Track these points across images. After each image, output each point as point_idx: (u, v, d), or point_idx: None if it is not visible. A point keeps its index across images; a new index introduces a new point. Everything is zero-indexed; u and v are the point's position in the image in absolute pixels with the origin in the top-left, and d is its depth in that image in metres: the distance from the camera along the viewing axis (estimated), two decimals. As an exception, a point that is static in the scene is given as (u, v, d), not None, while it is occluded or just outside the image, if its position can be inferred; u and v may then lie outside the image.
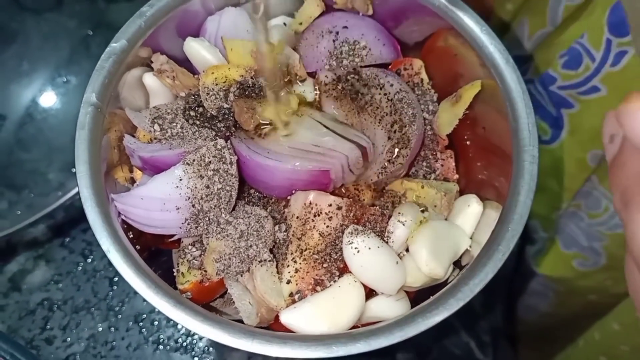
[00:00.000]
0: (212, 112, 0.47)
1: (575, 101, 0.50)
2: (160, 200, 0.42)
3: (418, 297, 0.48)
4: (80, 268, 0.72)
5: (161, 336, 0.68)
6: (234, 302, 0.44)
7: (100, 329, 0.69)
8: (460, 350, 0.73)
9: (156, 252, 0.50)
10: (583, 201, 0.52)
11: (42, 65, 0.78)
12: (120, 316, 0.69)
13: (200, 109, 0.48)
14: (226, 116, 0.47)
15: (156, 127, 0.47)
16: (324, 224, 0.43)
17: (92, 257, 0.72)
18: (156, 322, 0.68)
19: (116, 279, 0.71)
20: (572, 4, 0.51)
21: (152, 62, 0.49)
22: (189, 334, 0.68)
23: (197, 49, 0.49)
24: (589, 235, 0.54)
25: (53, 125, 0.76)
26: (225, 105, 0.47)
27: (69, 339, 0.68)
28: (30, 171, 0.74)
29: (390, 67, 0.54)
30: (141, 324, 0.68)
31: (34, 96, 0.77)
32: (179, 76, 0.49)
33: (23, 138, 0.75)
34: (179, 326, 0.68)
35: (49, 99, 0.77)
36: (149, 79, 0.49)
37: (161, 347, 0.67)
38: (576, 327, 0.65)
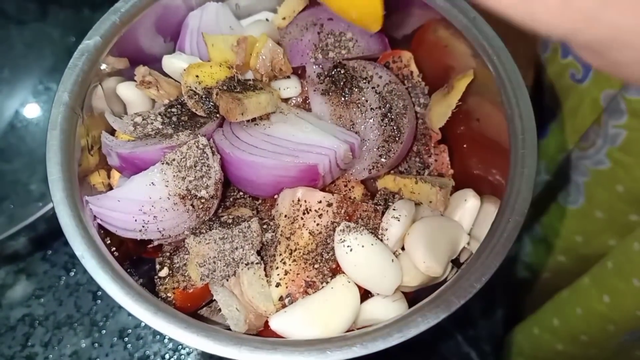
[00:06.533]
0: (196, 112, 0.45)
1: None
2: (138, 203, 0.40)
3: (416, 298, 0.46)
4: (63, 282, 0.69)
5: (147, 352, 0.64)
6: (220, 310, 0.41)
7: (84, 345, 0.65)
8: (460, 361, 0.70)
9: (138, 261, 0.48)
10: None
11: (24, 74, 0.77)
12: (104, 331, 0.66)
13: (183, 110, 0.46)
14: (210, 114, 0.45)
15: (137, 128, 0.44)
16: (314, 221, 0.40)
17: (74, 270, 0.69)
18: (142, 338, 0.65)
19: (100, 292, 0.68)
20: None
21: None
22: (176, 349, 0.65)
23: (177, 65, 0.47)
24: (575, 168, 0.53)
25: (35, 135, 0.75)
26: (209, 104, 0.45)
27: (51, 356, 0.65)
28: (11, 182, 0.72)
29: (378, 60, 0.52)
30: (126, 339, 0.65)
31: (16, 105, 0.75)
32: (163, 86, 0.46)
33: (4, 148, 0.73)
34: (166, 341, 0.65)
35: (31, 108, 0.75)
36: (124, 90, 0.47)
37: (148, 363, 0.64)
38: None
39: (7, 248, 0.68)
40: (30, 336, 0.66)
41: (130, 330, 0.65)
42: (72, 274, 0.69)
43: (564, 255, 0.60)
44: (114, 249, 0.41)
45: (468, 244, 0.45)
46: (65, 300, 0.68)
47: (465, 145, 0.52)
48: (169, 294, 0.42)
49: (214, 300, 0.42)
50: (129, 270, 0.42)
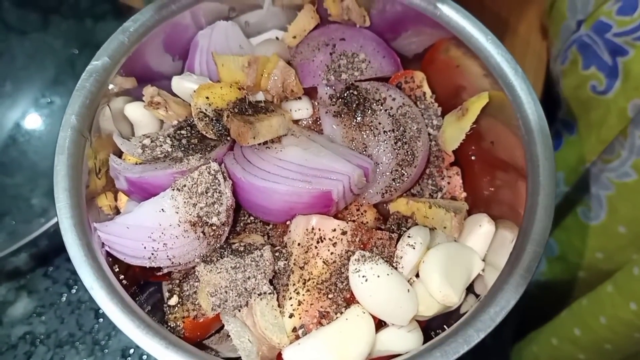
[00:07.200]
0: (206, 134, 0.44)
1: (631, 47, 0.49)
2: (147, 229, 0.39)
3: (429, 325, 0.45)
4: (64, 299, 0.68)
5: (151, 371, 0.63)
6: (229, 337, 0.40)
7: (86, 364, 0.64)
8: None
9: (145, 283, 0.47)
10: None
11: (26, 86, 0.75)
12: (106, 351, 0.65)
13: (193, 132, 0.45)
14: (221, 136, 0.44)
15: (146, 150, 0.43)
16: (328, 250, 0.40)
17: (76, 287, 0.68)
18: (144, 357, 0.64)
19: (102, 311, 0.66)
20: None
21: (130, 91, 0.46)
22: (181, 368, 0.63)
23: (187, 86, 0.46)
24: (597, 181, 0.53)
25: (37, 148, 0.73)
26: (219, 126, 0.44)
27: (52, 376, 0.64)
28: (12, 197, 0.70)
29: (390, 80, 0.51)
30: (129, 359, 0.64)
31: (17, 118, 0.73)
32: (172, 106, 0.45)
33: (5, 162, 0.71)
34: (170, 361, 0.64)
35: (32, 121, 0.73)
36: (131, 110, 0.46)
37: (151, 383, 0.63)
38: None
39: (8, 264, 0.67)
40: (32, 355, 0.65)
41: (132, 350, 0.64)
42: (73, 291, 0.68)
43: (584, 271, 0.60)
44: (122, 276, 0.40)
45: (483, 270, 0.44)
46: (67, 318, 0.67)
47: (477, 167, 0.51)
48: (178, 323, 0.41)
49: (224, 327, 0.41)
50: (137, 298, 0.41)
